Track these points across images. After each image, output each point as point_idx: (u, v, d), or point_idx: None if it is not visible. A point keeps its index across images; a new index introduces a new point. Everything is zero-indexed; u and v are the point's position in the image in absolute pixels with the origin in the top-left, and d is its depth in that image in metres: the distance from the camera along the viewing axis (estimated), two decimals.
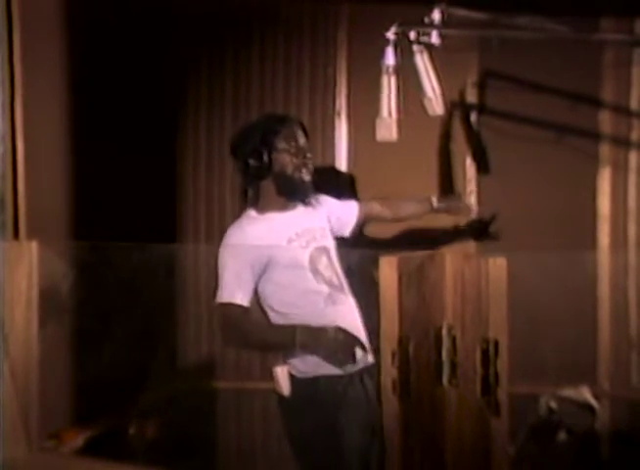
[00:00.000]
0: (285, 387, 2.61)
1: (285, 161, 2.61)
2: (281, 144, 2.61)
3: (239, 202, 2.78)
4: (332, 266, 2.67)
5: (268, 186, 2.64)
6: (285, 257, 2.58)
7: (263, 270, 2.56)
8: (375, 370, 2.66)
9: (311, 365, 2.58)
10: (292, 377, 2.61)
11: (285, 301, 2.60)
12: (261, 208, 2.65)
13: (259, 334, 2.62)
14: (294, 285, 2.59)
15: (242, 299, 2.53)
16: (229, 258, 2.55)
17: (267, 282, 2.59)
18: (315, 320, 2.55)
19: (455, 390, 2.49)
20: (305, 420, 2.60)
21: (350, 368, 2.59)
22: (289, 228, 2.63)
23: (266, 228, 2.60)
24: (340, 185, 3.51)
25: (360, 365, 2.62)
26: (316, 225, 2.72)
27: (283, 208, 2.66)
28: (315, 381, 2.59)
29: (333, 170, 3.59)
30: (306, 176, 2.64)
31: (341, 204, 2.87)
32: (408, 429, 2.39)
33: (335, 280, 2.65)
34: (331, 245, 2.73)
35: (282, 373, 2.62)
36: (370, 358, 2.65)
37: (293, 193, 2.66)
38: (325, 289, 2.61)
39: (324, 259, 2.65)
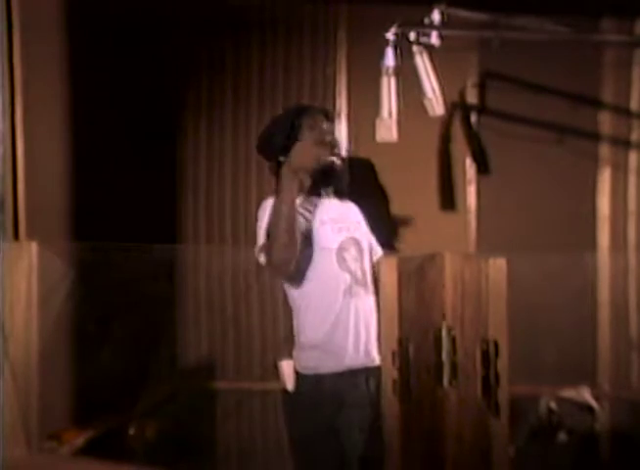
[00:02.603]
0: (289, 382, 2.60)
1: (313, 152, 2.59)
2: (304, 136, 2.60)
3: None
4: (360, 260, 2.65)
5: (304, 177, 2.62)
6: (316, 235, 2.57)
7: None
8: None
9: (315, 361, 2.57)
10: (296, 373, 2.60)
11: (307, 280, 2.58)
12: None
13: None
14: (317, 266, 2.57)
15: None
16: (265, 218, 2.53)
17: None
18: (330, 307, 2.56)
19: (455, 390, 2.49)
20: (307, 417, 2.59)
21: (352, 362, 2.58)
22: (323, 211, 2.63)
23: (300, 207, 2.59)
24: None
25: (361, 363, 2.61)
26: (352, 217, 2.72)
27: (319, 195, 2.66)
28: (319, 378, 2.57)
29: None
30: (336, 161, 2.61)
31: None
32: (408, 429, 2.39)
33: (359, 274, 2.63)
34: (363, 239, 2.71)
35: (287, 367, 2.61)
36: (375, 360, 2.62)
37: (325, 180, 2.65)
38: (347, 278, 2.59)
39: (353, 251, 2.64)
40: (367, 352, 2.61)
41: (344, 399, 2.57)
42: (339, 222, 2.65)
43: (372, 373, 2.60)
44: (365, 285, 2.64)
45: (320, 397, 2.56)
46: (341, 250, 2.61)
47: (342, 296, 2.58)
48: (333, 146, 2.63)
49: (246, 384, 3.54)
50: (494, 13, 2.83)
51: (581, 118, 3.49)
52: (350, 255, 2.63)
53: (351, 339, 2.58)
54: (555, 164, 3.50)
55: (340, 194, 2.73)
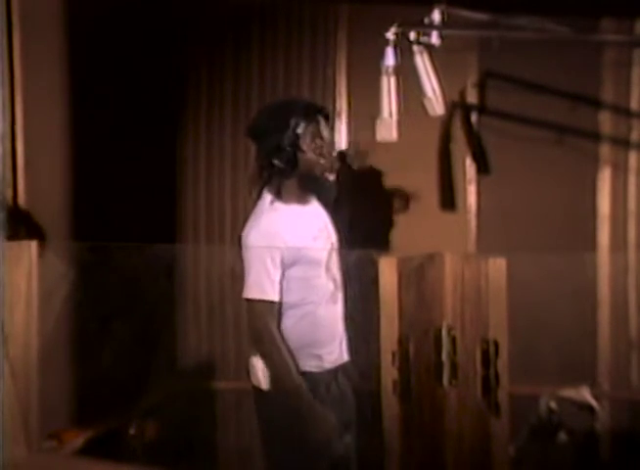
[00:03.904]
0: (263, 380, 2.55)
1: (311, 162, 2.52)
2: (306, 143, 2.50)
3: (250, 184, 2.65)
4: (336, 264, 2.66)
5: (292, 183, 2.54)
6: (309, 255, 2.54)
7: (289, 266, 2.50)
8: (349, 368, 2.66)
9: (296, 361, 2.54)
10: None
11: (294, 293, 2.54)
12: (284, 199, 2.55)
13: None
14: (307, 280, 2.54)
15: (273, 294, 2.48)
16: (256, 253, 2.47)
17: (284, 275, 2.52)
18: (315, 316, 2.55)
19: (455, 390, 2.49)
20: (283, 415, 2.54)
21: (328, 365, 2.57)
22: (312, 224, 2.60)
23: (293, 221, 2.54)
24: None
25: (338, 362, 2.60)
26: (328, 222, 2.70)
27: (304, 201, 2.60)
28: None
29: None
30: (331, 177, 2.57)
31: None
32: (408, 429, 2.40)
33: (338, 278, 2.64)
34: (335, 242, 2.71)
35: (259, 364, 2.56)
36: (345, 357, 2.63)
37: (318, 193, 2.60)
38: (331, 286, 2.60)
39: (333, 257, 2.64)
40: (343, 351, 2.63)
41: (321, 398, 2.54)
42: (324, 232, 2.63)
43: (344, 369, 2.62)
44: (339, 288, 2.64)
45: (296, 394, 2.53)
46: (327, 260, 2.59)
47: (325, 303, 2.58)
48: (332, 157, 2.59)
49: (246, 384, 3.54)
50: (494, 13, 2.82)
51: (581, 118, 3.49)
52: (332, 262, 2.62)
53: (335, 342, 2.59)
54: (555, 164, 3.50)
55: (326, 201, 2.67)
